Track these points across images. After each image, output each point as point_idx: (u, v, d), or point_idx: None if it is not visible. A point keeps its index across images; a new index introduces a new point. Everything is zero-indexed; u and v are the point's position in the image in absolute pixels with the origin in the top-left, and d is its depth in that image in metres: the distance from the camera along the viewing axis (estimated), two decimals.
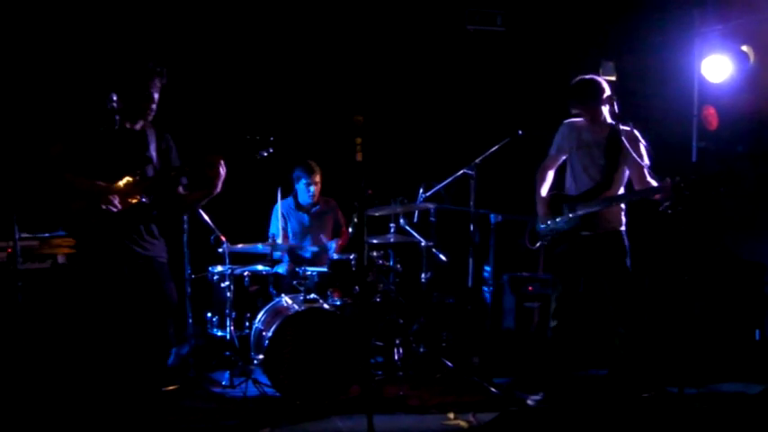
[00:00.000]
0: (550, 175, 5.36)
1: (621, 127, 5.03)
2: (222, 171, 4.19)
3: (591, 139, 5.18)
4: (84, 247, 4.17)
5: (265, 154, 4.31)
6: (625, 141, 4.97)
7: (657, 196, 4.77)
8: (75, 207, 4.11)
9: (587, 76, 5.22)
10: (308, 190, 6.47)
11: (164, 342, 4.34)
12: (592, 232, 5.11)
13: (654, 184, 4.95)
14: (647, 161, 5.01)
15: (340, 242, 6.49)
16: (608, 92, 5.13)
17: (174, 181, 4.28)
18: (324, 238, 6.52)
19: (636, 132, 5.04)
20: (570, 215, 5.13)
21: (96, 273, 4.14)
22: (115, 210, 4.09)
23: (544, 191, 5.33)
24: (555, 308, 5.24)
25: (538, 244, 5.36)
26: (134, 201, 4.15)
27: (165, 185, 4.26)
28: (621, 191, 5.19)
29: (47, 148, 4.14)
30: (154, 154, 4.28)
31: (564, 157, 5.34)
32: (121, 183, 4.14)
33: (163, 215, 4.38)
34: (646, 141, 5.01)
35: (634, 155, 4.93)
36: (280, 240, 6.20)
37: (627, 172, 5.15)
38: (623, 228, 5.19)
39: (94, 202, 4.09)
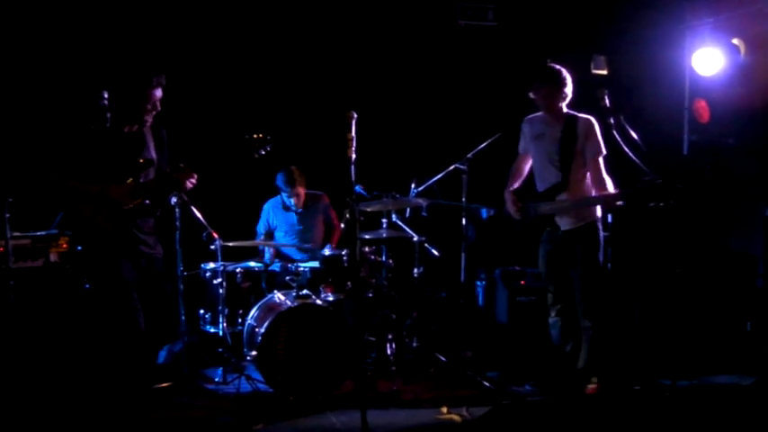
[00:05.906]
0: (524, 170, 5.33)
1: (579, 115, 4.97)
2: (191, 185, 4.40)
3: (546, 133, 5.09)
4: (89, 246, 4.29)
5: (263, 152, 4.45)
6: (580, 132, 4.92)
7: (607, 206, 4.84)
8: (83, 210, 4.24)
9: (552, 64, 5.08)
10: (289, 201, 6.46)
11: (156, 335, 4.45)
12: (566, 228, 5.04)
13: (609, 186, 4.91)
14: (603, 150, 4.93)
15: (333, 245, 6.45)
16: (569, 85, 4.98)
17: (170, 183, 4.42)
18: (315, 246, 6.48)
19: (593, 122, 4.95)
20: (534, 213, 5.11)
21: (102, 267, 4.27)
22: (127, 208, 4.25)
23: (511, 187, 5.31)
24: (552, 304, 5.24)
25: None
26: (138, 202, 4.31)
27: (163, 188, 4.43)
28: (587, 184, 5.05)
29: (43, 151, 4.21)
30: (154, 154, 4.41)
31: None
32: (126, 184, 4.27)
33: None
34: (637, 134, 4.96)
35: (587, 147, 4.89)
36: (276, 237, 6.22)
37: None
38: (597, 219, 5.08)
39: (103, 206, 4.22)
